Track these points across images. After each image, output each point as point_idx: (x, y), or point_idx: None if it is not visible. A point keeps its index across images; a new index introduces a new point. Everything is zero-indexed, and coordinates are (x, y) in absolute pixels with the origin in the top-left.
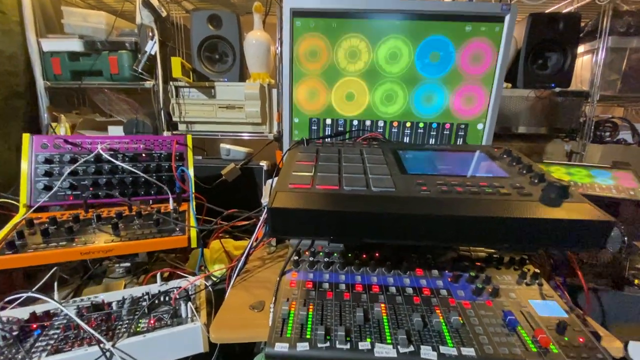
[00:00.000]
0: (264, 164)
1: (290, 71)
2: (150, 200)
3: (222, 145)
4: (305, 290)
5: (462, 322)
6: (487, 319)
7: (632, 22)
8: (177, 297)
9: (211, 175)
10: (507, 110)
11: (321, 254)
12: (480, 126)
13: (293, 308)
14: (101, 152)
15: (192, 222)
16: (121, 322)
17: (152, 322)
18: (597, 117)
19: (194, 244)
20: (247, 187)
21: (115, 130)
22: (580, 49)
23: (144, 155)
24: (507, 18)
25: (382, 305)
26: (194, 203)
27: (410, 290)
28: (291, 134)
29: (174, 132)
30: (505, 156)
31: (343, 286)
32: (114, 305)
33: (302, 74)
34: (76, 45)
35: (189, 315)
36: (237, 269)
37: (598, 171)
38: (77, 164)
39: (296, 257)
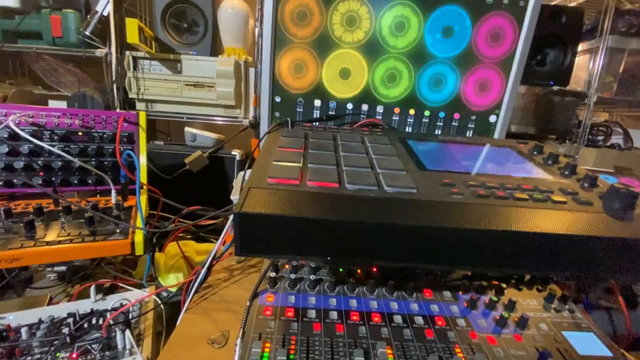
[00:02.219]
0: (236, 153)
1: (273, 35)
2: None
3: (186, 129)
4: (284, 321)
5: None
6: None
7: (634, 22)
8: (111, 322)
9: (173, 164)
10: None
11: (305, 269)
12: (493, 118)
13: (267, 349)
14: (12, 126)
15: (139, 221)
16: (30, 358)
17: (74, 356)
18: (591, 120)
19: (139, 251)
20: (216, 179)
21: (57, 106)
22: (578, 47)
23: (80, 134)
24: None
25: (388, 344)
26: (145, 197)
27: (420, 320)
28: (271, 116)
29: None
30: (536, 153)
31: (335, 314)
32: (23, 332)
33: (287, 41)
34: (10, 0)
35: (127, 347)
36: (195, 285)
37: (604, 176)
38: None
39: (273, 274)
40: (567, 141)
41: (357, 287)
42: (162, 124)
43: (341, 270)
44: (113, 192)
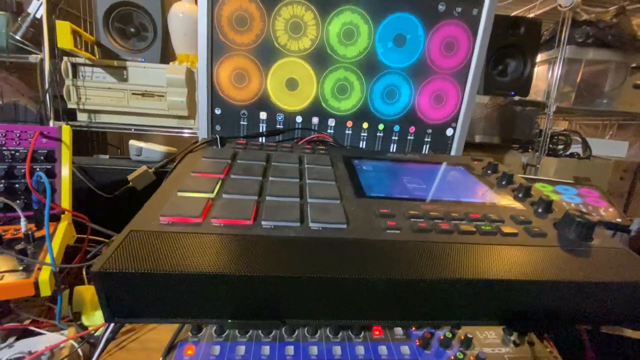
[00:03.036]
0: None
1: (209, 41)
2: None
3: (131, 142)
4: None
5: None
6: None
7: (590, 32)
8: None
9: (117, 180)
10: None
11: None
12: (450, 132)
13: None
14: None
15: (48, 256)
16: None
17: None
18: (551, 129)
19: (45, 291)
20: None
21: None
22: (537, 58)
23: None
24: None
25: None
26: (66, 223)
27: None
28: (211, 130)
29: (69, 123)
30: (489, 172)
31: None
32: None
33: (226, 48)
34: None
35: None
36: (106, 332)
37: (563, 187)
38: None
39: None
40: (529, 150)
41: (297, 329)
42: (114, 137)
43: None
44: (22, 220)
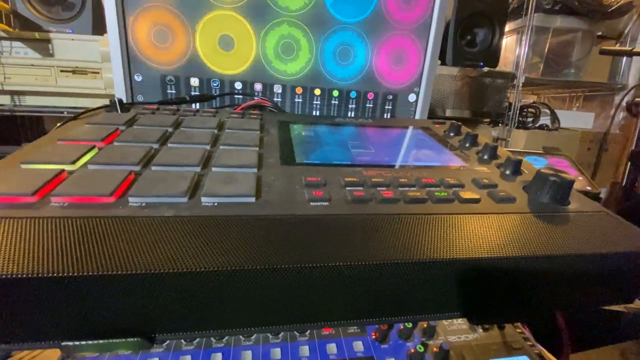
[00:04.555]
0: None
1: None
2: None
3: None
4: None
5: None
6: None
7: None
8: None
9: None
10: (434, 90)
11: None
12: (412, 97)
13: None
14: None
15: None
16: None
17: None
18: (521, 102)
19: None
20: None
21: None
22: (506, 27)
23: None
24: None
25: None
26: None
27: None
28: (132, 101)
29: None
30: (452, 134)
31: None
32: None
33: None
34: None
35: None
36: None
37: (533, 158)
38: None
39: None
40: (500, 125)
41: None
42: (52, 121)
43: None
44: None
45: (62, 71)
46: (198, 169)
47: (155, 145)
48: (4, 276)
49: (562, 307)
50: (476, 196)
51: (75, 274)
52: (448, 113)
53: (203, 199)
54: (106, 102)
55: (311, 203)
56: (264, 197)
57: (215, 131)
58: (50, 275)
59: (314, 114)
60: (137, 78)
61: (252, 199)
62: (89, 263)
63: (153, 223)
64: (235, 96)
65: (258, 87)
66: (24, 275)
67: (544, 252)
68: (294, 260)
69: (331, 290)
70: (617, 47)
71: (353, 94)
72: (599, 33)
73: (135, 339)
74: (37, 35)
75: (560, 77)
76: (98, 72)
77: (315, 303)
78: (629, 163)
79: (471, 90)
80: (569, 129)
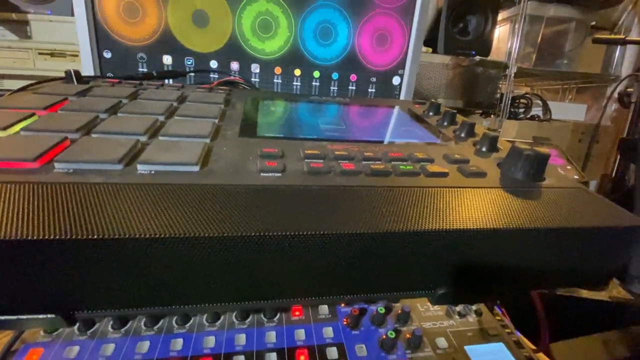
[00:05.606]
0: None
1: None
2: None
3: None
4: None
5: None
6: None
7: None
8: None
9: None
10: (425, 79)
11: None
12: (396, 80)
13: None
14: None
15: None
16: None
17: None
18: (513, 93)
19: None
20: None
21: None
22: (498, 16)
23: None
24: None
25: None
26: None
27: (273, 359)
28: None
29: None
30: (431, 114)
31: None
32: None
33: None
34: None
35: None
36: None
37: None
38: None
39: None
40: (492, 115)
41: (192, 316)
42: None
43: None
44: None
45: (40, 54)
46: (144, 138)
47: (103, 115)
48: None
49: (534, 286)
50: (444, 170)
51: None
52: (443, 102)
53: (139, 167)
54: None
55: (262, 174)
56: (210, 167)
57: (175, 104)
58: None
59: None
60: (107, 55)
61: (196, 168)
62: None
63: (76, 189)
64: (211, 75)
65: (235, 66)
66: None
67: (509, 226)
68: (222, 230)
69: (275, 262)
70: (611, 36)
71: (335, 76)
72: (593, 23)
73: (51, 316)
74: (14, 16)
75: (553, 67)
76: (77, 55)
77: (253, 276)
78: (618, 152)
79: (463, 80)
80: (561, 120)
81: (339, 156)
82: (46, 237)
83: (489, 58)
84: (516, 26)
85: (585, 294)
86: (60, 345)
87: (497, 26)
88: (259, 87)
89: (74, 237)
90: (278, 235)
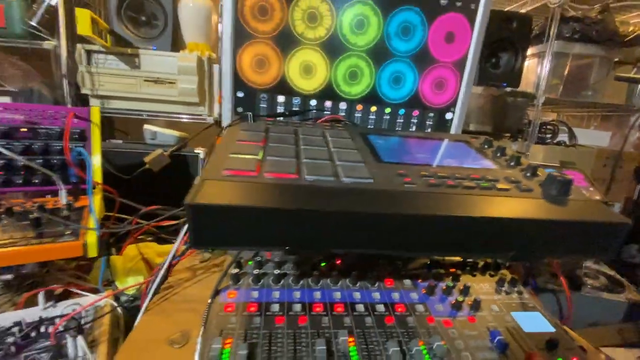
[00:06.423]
0: (200, 151)
1: (233, 29)
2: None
3: (145, 126)
4: (246, 317)
5: (445, 347)
6: (473, 340)
7: (577, 28)
8: (61, 328)
9: (132, 163)
10: None
11: (270, 264)
12: (449, 115)
13: (228, 345)
14: None
15: (91, 222)
16: None
17: None
18: (540, 120)
19: (92, 253)
20: (179, 179)
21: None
22: (528, 51)
23: (24, 130)
24: None
25: (349, 333)
26: (99, 196)
27: (381, 308)
28: (234, 111)
29: None
30: (486, 146)
31: (298, 307)
32: None
33: (248, 36)
34: None
35: (80, 354)
36: (154, 286)
37: (550, 170)
38: None
39: (236, 270)
40: (519, 139)
41: (321, 279)
42: (120, 122)
43: (306, 265)
44: (63, 192)
45: (145, 81)
46: (329, 162)
47: (294, 146)
48: (250, 206)
49: (565, 253)
50: (507, 187)
51: (285, 207)
52: (472, 127)
53: (344, 179)
54: (179, 107)
55: (405, 185)
56: (376, 180)
57: (322, 138)
58: (270, 207)
59: (369, 126)
60: (239, 94)
61: (371, 181)
62: (300, 203)
63: (324, 189)
64: (315, 111)
65: (328, 104)
66: (257, 207)
67: (547, 217)
68: (396, 212)
69: (427, 228)
70: (632, 75)
71: (401, 111)
72: (616, 59)
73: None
74: (129, 51)
75: (578, 98)
76: (174, 82)
77: (417, 237)
78: (634, 178)
79: (494, 107)
80: (586, 145)
81: (442, 176)
82: (322, 209)
83: (518, 89)
84: (544, 61)
85: (605, 295)
86: (245, 290)
87: (527, 60)
88: (346, 118)
89: (338, 210)
90: (427, 214)
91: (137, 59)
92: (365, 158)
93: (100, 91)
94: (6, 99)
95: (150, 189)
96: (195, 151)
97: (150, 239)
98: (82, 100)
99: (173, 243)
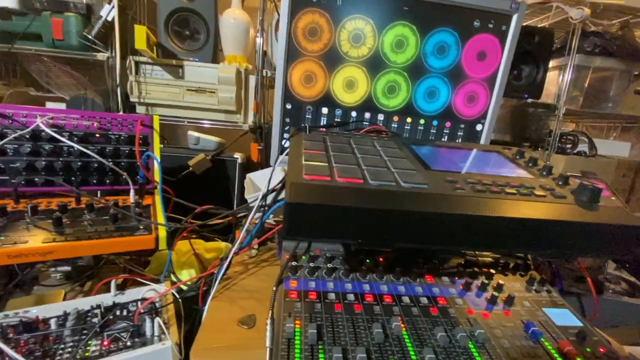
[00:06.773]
0: (238, 156)
1: (286, 49)
2: (99, 192)
3: (190, 132)
4: (309, 303)
5: (486, 334)
6: (509, 330)
7: (598, 43)
8: (143, 311)
9: (176, 165)
10: None
11: (321, 259)
12: (479, 127)
13: (297, 325)
14: (42, 126)
15: (161, 218)
16: (63, 345)
17: (106, 343)
18: (560, 130)
19: (162, 246)
20: (218, 181)
21: (55, 107)
22: (549, 64)
23: (97, 135)
24: (514, 17)
25: (400, 319)
26: (159, 197)
27: (425, 300)
28: (282, 121)
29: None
30: (519, 157)
31: (352, 296)
32: (52, 323)
33: (299, 54)
34: (9, 0)
35: (156, 334)
36: (219, 275)
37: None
38: (5, 140)
39: (293, 263)
40: (539, 149)
41: (368, 274)
42: (161, 128)
43: (354, 260)
44: (132, 192)
45: (188, 90)
46: (386, 169)
47: (352, 155)
48: (333, 205)
49: (595, 253)
50: (544, 194)
51: (359, 207)
52: (493, 136)
53: (403, 184)
54: (217, 115)
55: (456, 191)
56: (430, 185)
57: (374, 147)
58: (347, 206)
59: (404, 136)
60: (288, 106)
61: (426, 186)
62: (370, 203)
63: (389, 193)
64: (356, 122)
65: (367, 115)
66: (338, 205)
67: (580, 220)
68: (455, 212)
69: (478, 227)
70: None
71: (435, 123)
72: (636, 72)
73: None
74: (174, 62)
75: (598, 109)
76: (214, 92)
77: (471, 234)
78: None
79: (516, 117)
80: (606, 156)
81: (487, 183)
82: (391, 209)
83: (539, 99)
84: (565, 74)
85: (626, 299)
86: (303, 280)
87: (548, 72)
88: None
89: (405, 209)
90: (479, 215)
91: (181, 70)
92: (415, 166)
93: (147, 99)
94: (60, 105)
95: (193, 189)
96: (234, 156)
97: (194, 236)
98: (129, 108)
99: (216, 240)
